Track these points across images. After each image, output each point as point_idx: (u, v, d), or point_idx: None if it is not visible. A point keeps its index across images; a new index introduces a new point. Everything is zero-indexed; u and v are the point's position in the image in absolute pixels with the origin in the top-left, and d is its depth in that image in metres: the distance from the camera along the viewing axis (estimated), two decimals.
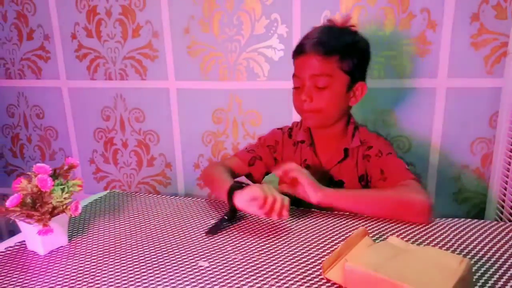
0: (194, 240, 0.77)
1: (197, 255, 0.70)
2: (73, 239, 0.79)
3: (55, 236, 0.73)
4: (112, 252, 0.73)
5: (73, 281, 0.64)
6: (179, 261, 0.69)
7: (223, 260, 0.69)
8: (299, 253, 0.70)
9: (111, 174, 1.63)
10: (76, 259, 0.70)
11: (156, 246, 0.74)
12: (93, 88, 1.54)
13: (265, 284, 0.61)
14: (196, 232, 0.80)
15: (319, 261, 0.67)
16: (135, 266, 0.67)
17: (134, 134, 1.55)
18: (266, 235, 0.77)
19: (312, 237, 0.76)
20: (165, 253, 0.71)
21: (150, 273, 0.65)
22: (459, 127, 1.25)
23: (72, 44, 1.50)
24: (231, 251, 0.72)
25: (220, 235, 0.78)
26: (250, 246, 0.74)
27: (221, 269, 0.66)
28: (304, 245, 0.73)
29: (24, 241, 0.76)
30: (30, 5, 1.50)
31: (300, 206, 0.90)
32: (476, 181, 1.29)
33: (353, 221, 0.83)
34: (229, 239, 0.77)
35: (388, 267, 0.56)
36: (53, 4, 1.48)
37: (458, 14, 1.17)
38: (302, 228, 0.80)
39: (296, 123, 1.06)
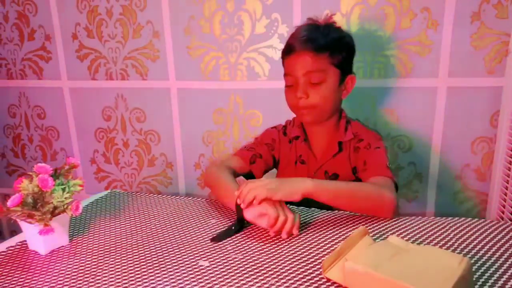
0: (195, 239, 0.77)
1: (197, 255, 0.70)
2: (74, 238, 0.79)
3: (56, 235, 0.73)
4: (113, 252, 0.73)
5: (74, 280, 0.64)
6: (179, 260, 0.69)
7: (224, 259, 0.69)
8: (299, 252, 0.70)
9: (112, 174, 1.64)
10: (77, 259, 0.71)
11: (157, 246, 0.74)
12: (94, 88, 1.54)
13: (265, 283, 0.61)
14: (196, 231, 0.80)
15: (319, 261, 0.67)
16: (136, 266, 0.67)
17: (135, 134, 1.56)
18: (266, 234, 0.77)
19: (312, 237, 0.76)
20: (166, 253, 0.72)
21: (151, 272, 0.65)
22: (460, 126, 1.25)
23: (73, 44, 1.51)
24: (232, 251, 0.72)
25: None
26: (250, 245, 0.74)
27: (222, 268, 0.66)
28: (304, 245, 0.73)
29: (25, 240, 0.76)
30: (31, 6, 1.51)
31: (300, 206, 0.90)
32: (477, 181, 1.29)
33: (353, 220, 0.83)
34: (230, 238, 0.77)
35: (388, 267, 0.56)
36: (54, 4, 1.48)
37: (458, 13, 1.17)
38: (302, 228, 0.80)
39: (289, 121, 1.08)
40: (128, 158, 1.59)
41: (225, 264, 0.67)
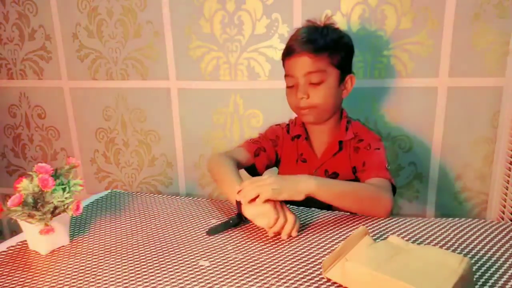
0: (195, 239, 0.77)
1: (198, 255, 0.71)
2: (74, 238, 0.79)
3: (56, 235, 0.73)
4: (113, 252, 0.73)
5: (74, 280, 0.64)
6: (180, 260, 0.69)
7: (224, 259, 0.69)
8: (299, 252, 0.70)
9: (113, 174, 1.64)
10: (77, 259, 0.71)
11: (157, 246, 0.75)
12: (95, 88, 1.54)
13: (265, 283, 0.61)
14: (197, 231, 0.80)
15: (319, 261, 0.67)
16: (136, 266, 0.67)
17: (135, 134, 1.56)
18: (267, 234, 0.77)
19: (312, 237, 0.76)
20: (166, 253, 0.72)
21: (151, 272, 0.65)
22: (460, 126, 1.25)
23: (73, 44, 1.51)
24: (232, 251, 0.72)
25: (220, 234, 0.78)
26: (250, 245, 0.74)
27: (222, 268, 0.66)
28: (304, 245, 0.73)
29: (25, 240, 0.76)
30: (32, 6, 1.51)
31: (300, 206, 0.90)
32: (478, 181, 1.29)
33: (353, 220, 0.83)
34: (230, 238, 0.77)
35: (388, 266, 0.56)
36: (55, 4, 1.48)
37: (459, 13, 1.17)
38: (302, 228, 0.80)
39: (292, 120, 1.10)
40: (128, 158, 1.60)
41: (225, 264, 0.67)
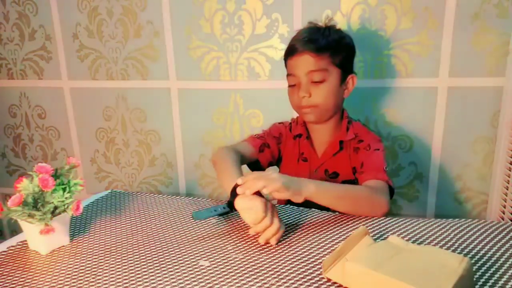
0: (195, 239, 0.77)
1: (198, 255, 0.71)
2: (74, 238, 0.79)
3: (56, 235, 0.73)
4: (114, 252, 0.73)
5: (74, 280, 0.64)
6: (179, 260, 0.69)
7: (224, 259, 0.69)
8: (299, 252, 0.70)
9: (113, 174, 1.64)
10: (78, 259, 0.71)
11: (157, 246, 0.75)
12: (95, 88, 1.54)
13: (265, 283, 0.61)
14: (197, 231, 0.80)
15: (320, 261, 0.67)
16: (136, 266, 0.67)
17: (135, 134, 1.56)
18: None
19: (312, 237, 0.76)
20: (166, 253, 0.72)
21: (151, 272, 0.65)
22: (460, 126, 1.25)
23: (73, 44, 1.51)
24: (232, 251, 0.72)
25: (220, 234, 0.78)
26: (250, 245, 0.74)
27: (222, 268, 0.66)
28: (305, 245, 0.73)
29: (25, 240, 0.76)
30: (32, 6, 1.51)
31: (300, 206, 0.90)
32: (478, 181, 1.29)
33: (353, 220, 0.83)
34: (230, 238, 0.77)
35: (388, 266, 0.56)
36: (55, 4, 1.48)
37: (459, 13, 1.17)
38: (302, 228, 0.80)
39: (294, 119, 1.11)
40: (128, 158, 1.60)
41: (225, 264, 0.67)
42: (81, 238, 0.79)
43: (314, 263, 0.67)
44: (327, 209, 0.89)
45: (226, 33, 1.35)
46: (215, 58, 1.39)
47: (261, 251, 0.71)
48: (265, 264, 0.67)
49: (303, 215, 0.86)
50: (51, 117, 1.64)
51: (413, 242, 0.72)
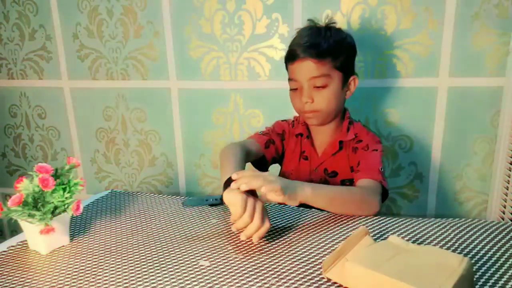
0: (195, 239, 0.77)
1: (197, 255, 0.71)
2: (74, 238, 0.79)
3: (56, 235, 0.73)
4: (114, 252, 0.73)
5: (74, 280, 0.64)
6: (179, 260, 0.69)
7: (224, 259, 0.69)
8: (299, 252, 0.70)
9: (113, 174, 1.64)
10: (78, 259, 0.71)
11: (158, 246, 0.75)
12: (95, 88, 1.54)
13: (265, 283, 0.61)
14: (197, 231, 0.80)
15: (319, 261, 0.67)
16: (137, 265, 0.67)
17: (135, 134, 1.56)
18: (267, 234, 0.77)
19: (312, 237, 0.76)
20: (166, 253, 0.72)
21: (151, 272, 0.65)
22: (460, 126, 1.25)
23: (73, 44, 1.51)
24: (232, 251, 0.72)
25: (220, 234, 0.78)
26: (250, 245, 0.74)
27: (222, 268, 0.66)
28: (305, 245, 0.73)
29: (25, 240, 0.76)
30: (32, 6, 1.51)
31: (300, 207, 0.90)
32: (478, 181, 1.29)
33: (353, 220, 0.83)
34: (230, 238, 0.77)
35: (388, 267, 0.56)
36: (55, 4, 1.48)
37: (459, 13, 1.17)
38: (302, 228, 0.80)
39: (296, 118, 1.11)
40: (128, 158, 1.60)
41: (225, 264, 0.67)
42: (81, 238, 0.79)
43: (314, 263, 0.67)
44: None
45: (226, 33, 1.35)
46: (215, 58, 1.39)
47: (261, 251, 0.71)
48: (265, 264, 0.67)
49: (303, 215, 0.86)
50: (51, 117, 1.64)
51: (413, 242, 0.72)
